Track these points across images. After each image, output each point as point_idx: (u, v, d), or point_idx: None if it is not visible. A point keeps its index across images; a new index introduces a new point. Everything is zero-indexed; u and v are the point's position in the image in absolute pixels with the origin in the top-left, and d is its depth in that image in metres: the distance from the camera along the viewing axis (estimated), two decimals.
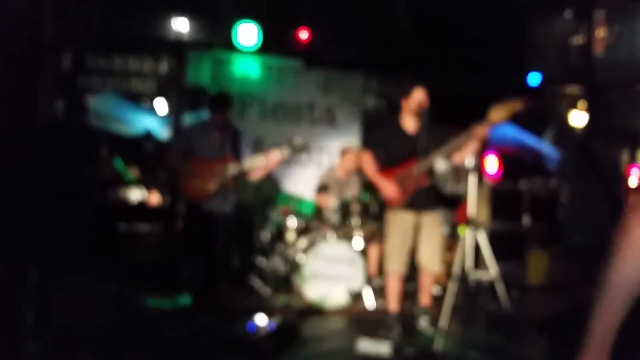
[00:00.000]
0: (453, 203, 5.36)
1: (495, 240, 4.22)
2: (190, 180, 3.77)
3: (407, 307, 4.18)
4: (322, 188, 5.29)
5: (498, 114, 3.40)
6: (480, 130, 3.43)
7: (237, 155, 3.81)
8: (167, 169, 4.45)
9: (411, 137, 3.70)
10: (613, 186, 4.80)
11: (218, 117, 3.90)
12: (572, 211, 5.05)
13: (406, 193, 3.65)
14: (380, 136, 3.91)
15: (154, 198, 5.03)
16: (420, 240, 3.69)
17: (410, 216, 3.70)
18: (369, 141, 3.82)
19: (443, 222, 4.05)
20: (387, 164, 3.75)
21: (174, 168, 3.90)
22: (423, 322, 3.77)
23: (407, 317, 3.90)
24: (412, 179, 3.63)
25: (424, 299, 3.81)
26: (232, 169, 3.68)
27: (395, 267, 3.71)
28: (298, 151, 3.75)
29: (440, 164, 3.52)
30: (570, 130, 7.90)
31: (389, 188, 3.67)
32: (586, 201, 4.80)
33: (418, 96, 3.66)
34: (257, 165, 3.74)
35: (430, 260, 3.70)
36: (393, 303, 3.76)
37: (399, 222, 3.73)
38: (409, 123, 3.77)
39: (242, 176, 3.81)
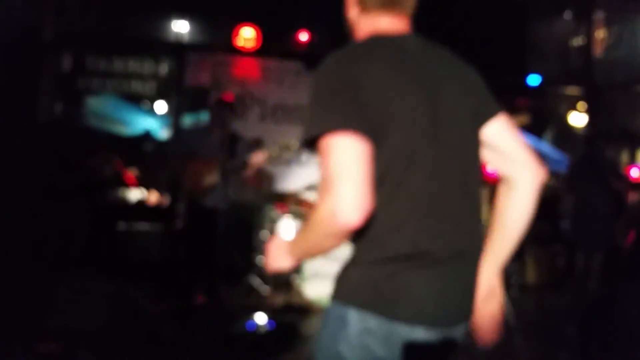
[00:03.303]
0: None
1: None
2: (190, 177, 3.93)
3: None
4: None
5: None
6: None
7: (233, 156, 3.96)
8: (168, 168, 4.55)
9: None
10: (615, 185, 4.78)
11: (217, 119, 4.07)
12: (573, 210, 5.03)
13: None
14: None
15: (153, 197, 5.04)
16: None
17: None
18: None
19: None
20: None
21: (174, 167, 4.03)
22: None
23: None
24: None
25: None
26: (227, 166, 3.84)
27: None
28: (284, 150, 3.94)
29: None
30: (570, 130, 7.91)
31: None
32: (587, 200, 4.78)
33: None
34: (248, 162, 3.91)
35: None
36: None
37: None
38: None
39: (236, 174, 3.92)
